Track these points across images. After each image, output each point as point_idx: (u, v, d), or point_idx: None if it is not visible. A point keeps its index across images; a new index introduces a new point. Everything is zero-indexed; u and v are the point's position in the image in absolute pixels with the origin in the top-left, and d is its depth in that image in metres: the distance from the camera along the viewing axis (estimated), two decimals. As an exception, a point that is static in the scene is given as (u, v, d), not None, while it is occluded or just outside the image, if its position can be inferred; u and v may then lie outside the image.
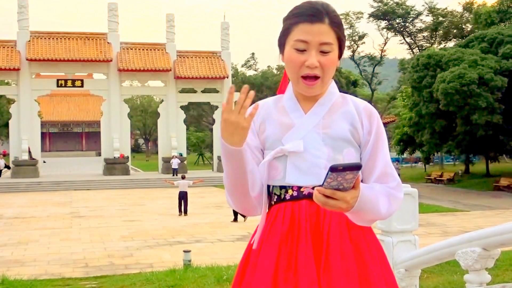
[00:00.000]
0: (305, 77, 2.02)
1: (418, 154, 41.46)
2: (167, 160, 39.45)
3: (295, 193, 2.03)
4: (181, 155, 40.20)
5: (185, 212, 20.63)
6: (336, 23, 2.03)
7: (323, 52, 2.01)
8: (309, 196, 2.00)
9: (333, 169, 1.72)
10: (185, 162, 40.77)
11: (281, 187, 2.06)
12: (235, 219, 18.83)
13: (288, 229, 2.00)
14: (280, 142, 2.06)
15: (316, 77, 2.01)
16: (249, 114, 1.85)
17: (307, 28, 2.00)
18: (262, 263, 1.99)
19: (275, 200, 2.07)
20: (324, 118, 2.07)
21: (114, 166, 38.92)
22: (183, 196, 20.74)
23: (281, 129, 2.07)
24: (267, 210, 2.09)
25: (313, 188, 1.99)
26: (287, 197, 2.04)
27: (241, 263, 2.10)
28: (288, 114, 2.10)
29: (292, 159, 2.04)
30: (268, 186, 2.09)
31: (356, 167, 1.74)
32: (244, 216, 18.35)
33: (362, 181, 2.07)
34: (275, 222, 2.03)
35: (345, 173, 1.74)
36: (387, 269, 2.05)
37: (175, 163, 38.08)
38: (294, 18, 2.03)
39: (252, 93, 1.82)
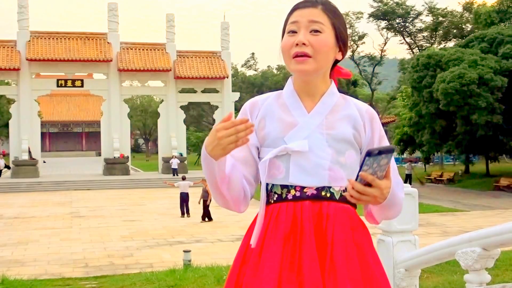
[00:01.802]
0: (295, 56, 2.01)
1: (418, 154, 41.47)
2: (167, 160, 39.45)
3: (297, 193, 2.00)
4: (181, 155, 40.20)
5: (187, 213, 20.36)
6: (330, 10, 2.04)
7: (314, 32, 2.00)
8: (312, 197, 1.99)
9: (370, 153, 1.71)
10: (185, 162, 40.78)
11: (283, 186, 2.02)
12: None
13: (291, 229, 1.97)
14: (282, 140, 2.03)
15: (306, 55, 1.99)
16: (234, 143, 1.81)
17: (299, 12, 2.03)
18: (265, 263, 1.95)
19: (274, 199, 2.03)
20: (327, 118, 2.05)
21: (114, 166, 38.92)
22: (184, 198, 20.42)
23: (283, 127, 2.04)
24: (264, 208, 2.05)
25: (316, 189, 1.99)
26: (289, 197, 2.01)
27: (237, 262, 2.05)
28: (290, 111, 2.07)
29: (296, 159, 2.01)
30: (267, 184, 2.06)
31: (391, 150, 1.73)
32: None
33: None
34: (277, 222, 1.99)
35: (381, 157, 1.73)
36: (383, 270, 2.06)
37: (174, 163, 38.06)
38: (290, 10, 2.08)
39: (252, 128, 1.79)
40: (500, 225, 4.02)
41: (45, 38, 38.70)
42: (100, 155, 46.05)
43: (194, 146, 58.11)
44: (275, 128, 2.05)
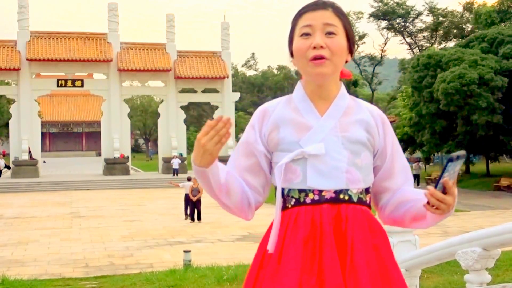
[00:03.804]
0: (312, 59, 2.00)
1: (418, 154, 41.48)
2: (167, 160, 39.45)
3: (316, 197, 1.98)
4: (181, 155, 40.20)
5: (199, 218, 19.36)
6: (341, 13, 2.06)
7: (329, 34, 2.00)
8: (331, 200, 1.98)
9: (451, 159, 1.79)
10: (185, 162, 40.77)
11: (300, 191, 2.00)
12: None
13: (310, 232, 1.95)
14: (297, 144, 2.01)
15: (324, 58, 1.99)
16: (219, 143, 1.86)
17: (311, 15, 2.03)
18: (285, 267, 1.93)
19: (292, 203, 2.01)
20: (340, 121, 2.04)
21: (114, 166, 38.92)
22: (189, 199, 19.36)
23: (297, 131, 2.03)
24: (280, 213, 2.03)
25: (334, 192, 1.98)
26: (308, 200, 1.99)
27: (254, 268, 2.02)
28: (303, 115, 2.05)
29: (313, 162, 1.99)
30: (282, 189, 2.04)
31: (464, 156, 1.83)
32: (198, 218, 19.16)
33: (382, 184, 2.13)
34: (296, 226, 1.97)
35: (457, 162, 1.81)
36: (400, 272, 2.05)
37: (176, 163, 38.05)
38: (298, 13, 2.08)
39: (230, 122, 1.84)
40: (501, 225, 4.02)
41: (45, 38, 38.70)
42: (100, 155, 46.07)
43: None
44: (289, 132, 2.04)
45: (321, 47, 1.98)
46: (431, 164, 44.71)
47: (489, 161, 37.38)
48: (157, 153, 49.27)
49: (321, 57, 1.98)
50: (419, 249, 4.92)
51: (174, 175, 37.03)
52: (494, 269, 8.08)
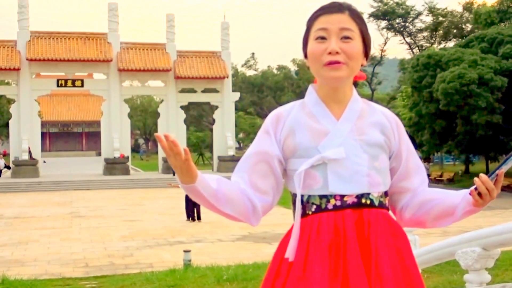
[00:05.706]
0: (328, 64, 1.98)
1: (418, 154, 41.55)
2: (167, 160, 39.38)
3: (338, 203, 1.96)
4: (181, 155, 40.15)
5: (199, 218, 19.33)
6: (357, 16, 2.03)
7: (345, 38, 1.98)
8: (353, 205, 1.96)
9: None
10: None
11: (321, 196, 1.98)
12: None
13: (333, 239, 1.93)
14: (315, 149, 1.99)
15: (339, 63, 1.97)
16: (185, 158, 1.90)
17: (327, 18, 2.00)
18: (312, 275, 1.90)
19: (313, 210, 1.98)
20: (356, 124, 2.03)
21: (114, 166, 38.91)
22: (191, 200, 18.96)
23: (314, 136, 2.00)
24: (300, 220, 2.00)
25: (356, 197, 1.96)
26: (329, 206, 1.96)
27: (270, 276, 1.99)
28: (319, 120, 2.03)
29: (333, 167, 1.97)
30: (302, 196, 2.01)
31: None
32: (198, 218, 19.11)
33: (400, 185, 2.13)
34: (319, 233, 1.95)
35: None
36: (421, 276, 2.06)
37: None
38: (314, 15, 2.05)
39: (172, 137, 1.86)
40: (500, 225, 4.03)
41: (45, 38, 38.68)
42: (100, 155, 46.04)
43: (194, 146, 58.12)
44: (306, 138, 2.01)
45: (337, 52, 1.96)
46: (430, 164, 44.75)
47: (489, 161, 37.39)
48: (154, 153, 49.33)
49: (336, 62, 1.97)
50: (419, 249, 4.93)
51: (173, 175, 36.99)
52: (494, 269, 8.09)
